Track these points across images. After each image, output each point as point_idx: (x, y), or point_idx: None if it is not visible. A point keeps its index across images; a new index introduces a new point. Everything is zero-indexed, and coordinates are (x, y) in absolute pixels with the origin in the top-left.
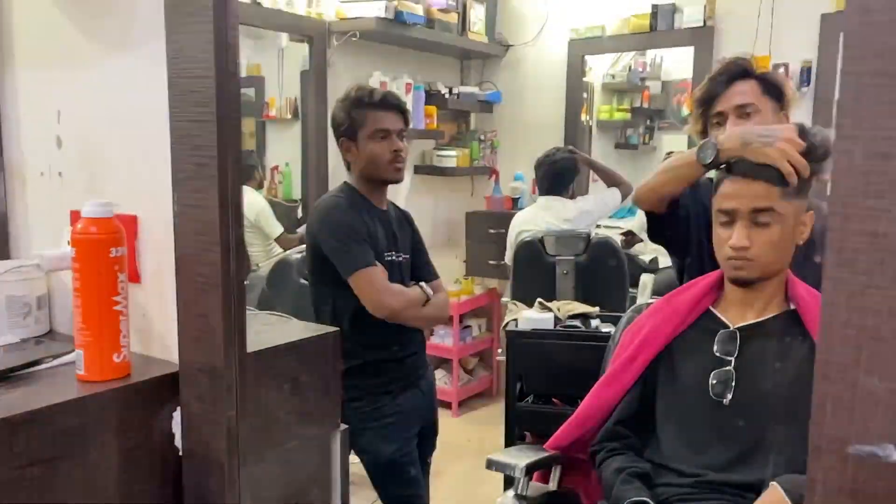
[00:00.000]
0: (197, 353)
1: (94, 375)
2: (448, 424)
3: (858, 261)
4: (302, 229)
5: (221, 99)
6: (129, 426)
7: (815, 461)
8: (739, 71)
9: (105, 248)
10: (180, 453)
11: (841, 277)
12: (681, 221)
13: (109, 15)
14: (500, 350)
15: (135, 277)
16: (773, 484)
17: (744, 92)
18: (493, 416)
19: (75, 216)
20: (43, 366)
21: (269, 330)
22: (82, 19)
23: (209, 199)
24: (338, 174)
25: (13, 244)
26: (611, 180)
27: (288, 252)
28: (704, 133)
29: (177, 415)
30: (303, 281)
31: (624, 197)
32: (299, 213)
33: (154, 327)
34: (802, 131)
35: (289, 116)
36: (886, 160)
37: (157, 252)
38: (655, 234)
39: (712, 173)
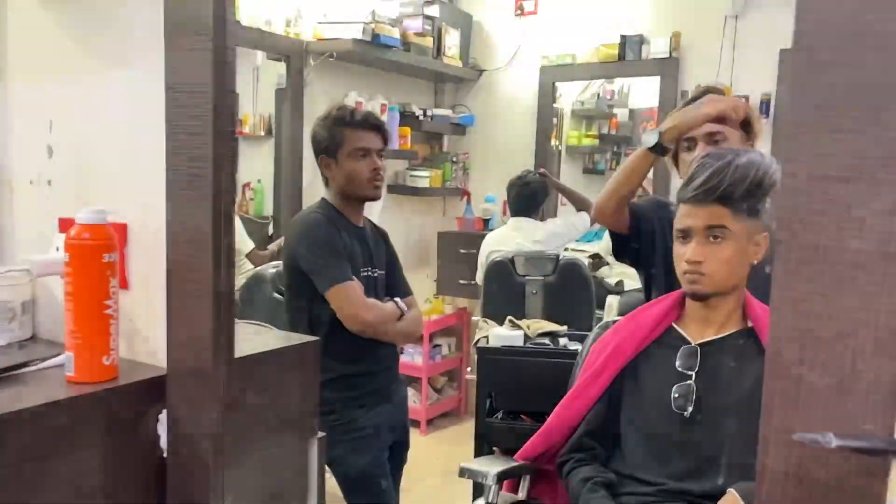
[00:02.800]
0: (185, 358)
1: (83, 377)
2: (417, 442)
3: (802, 271)
4: (273, 245)
5: (218, 113)
6: (116, 427)
7: (764, 450)
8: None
9: (98, 254)
10: (164, 455)
11: (787, 285)
12: (644, 235)
13: (107, 31)
14: (469, 369)
15: (123, 284)
16: (730, 490)
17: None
18: (461, 435)
19: (64, 223)
20: (31, 368)
21: (250, 338)
22: (79, 34)
23: (203, 209)
24: (311, 191)
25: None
26: (580, 205)
27: (262, 267)
28: (675, 155)
29: (162, 417)
30: (276, 295)
31: (593, 222)
32: (270, 230)
33: (140, 332)
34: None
35: (262, 133)
36: (826, 181)
37: (146, 259)
38: (620, 252)
39: None
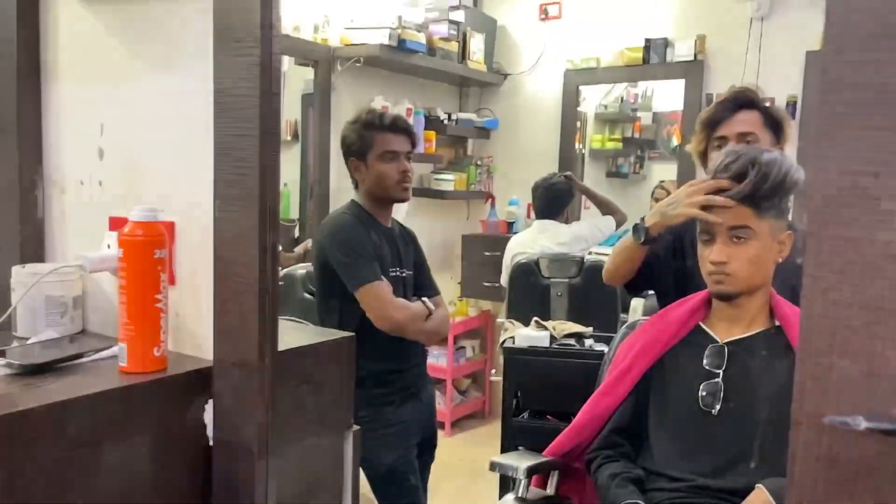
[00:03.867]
0: (232, 349)
1: (135, 367)
2: (441, 444)
3: (833, 261)
4: (300, 248)
5: (264, 116)
6: (165, 416)
7: (795, 435)
8: (746, 100)
9: (150, 250)
10: (210, 443)
11: (818, 275)
12: (654, 271)
13: (157, 38)
14: (493, 371)
15: (170, 280)
16: (759, 486)
17: (747, 121)
18: (485, 437)
19: (115, 222)
20: (85, 359)
21: (288, 333)
22: (130, 41)
23: (249, 207)
24: (339, 195)
25: (48, 248)
26: (605, 209)
27: (293, 267)
28: (705, 153)
29: (209, 406)
30: (307, 295)
31: (618, 225)
32: (296, 233)
33: (187, 326)
34: (733, 167)
35: (288, 138)
36: (856, 176)
37: (193, 256)
38: (634, 291)
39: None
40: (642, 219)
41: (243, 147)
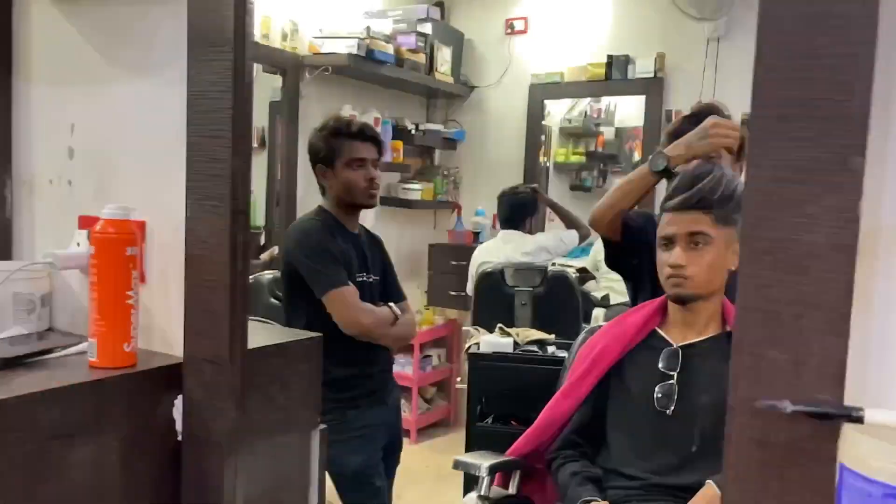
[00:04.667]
0: (202, 346)
1: (105, 362)
2: (406, 451)
3: (764, 260)
4: (265, 255)
5: (237, 120)
6: (135, 411)
7: (730, 420)
8: (710, 116)
9: (122, 247)
10: (179, 438)
11: (751, 272)
12: (636, 245)
13: (129, 41)
14: (458, 379)
15: (141, 278)
16: (709, 482)
17: None
18: (450, 444)
19: (85, 221)
20: (54, 354)
21: (257, 333)
22: (102, 43)
23: (222, 207)
24: (306, 202)
25: (16, 247)
26: (569, 223)
27: (259, 273)
28: None
29: (178, 402)
30: (273, 300)
31: (581, 239)
32: (262, 240)
33: (156, 323)
34: (682, 184)
35: (255, 145)
36: (784, 182)
37: (163, 254)
38: (613, 260)
39: None
40: (659, 152)
41: (216, 149)
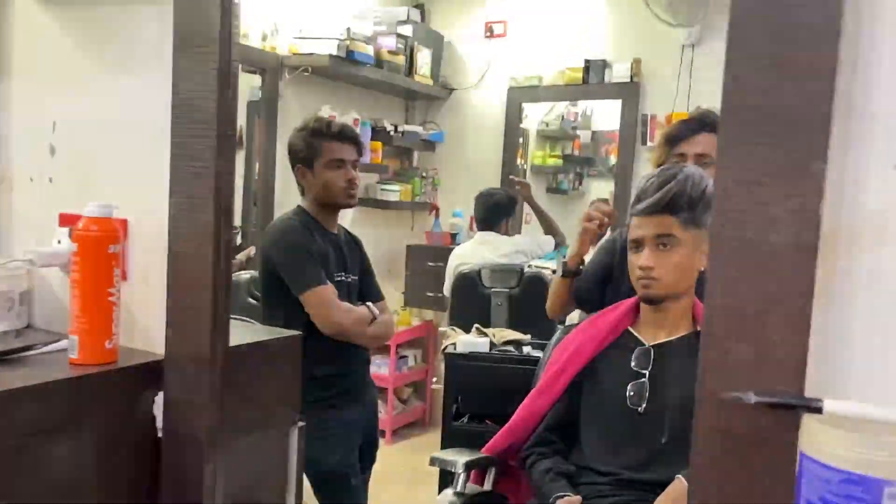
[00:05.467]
0: (184, 343)
1: (86, 359)
2: (382, 451)
3: (730, 259)
4: (241, 255)
5: (221, 119)
6: (115, 407)
7: (697, 411)
8: (709, 123)
9: (104, 245)
10: (159, 434)
11: (719, 271)
12: (596, 292)
13: (113, 40)
14: (434, 379)
15: (123, 276)
16: (678, 476)
17: (706, 143)
18: (425, 445)
19: (65, 218)
20: (34, 351)
21: (237, 331)
22: (85, 42)
23: (205, 205)
24: (284, 202)
25: None
26: (548, 228)
27: (237, 273)
28: (661, 166)
29: (158, 399)
30: (251, 300)
31: (557, 246)
32: (238, 240)
33: (138, 321)
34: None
35: None
36: (748, 184)
37: (146, 252)
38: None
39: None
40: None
41: (200, 148)
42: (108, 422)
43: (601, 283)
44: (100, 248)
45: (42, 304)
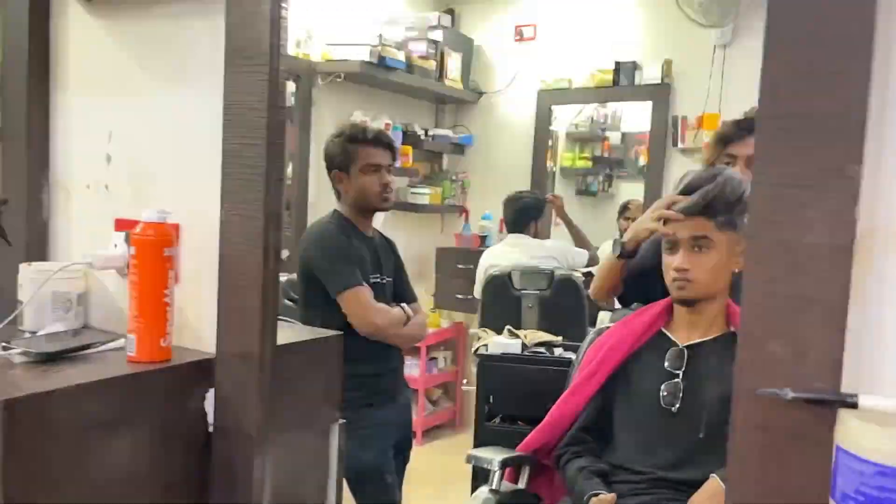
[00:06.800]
0: (234, 342)
1: (143, 357)
2: (412, 452)
3: (768, 260)
4: None
5: (270, 127)
6: (169, 402)
7: (735, 408)
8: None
9: (160, 248)
10: (210, 429)
11: (756, 271)
12: (641, 286)
13: (166, 53)
14: (464, 381)
15: (175, 277)
16: (713, 475)
17: None
18: (455, 446)
19: (121, 223)
20: (93, 350)
21: (282, 330)
22: (139, 55)
23: (255, 210)
24: (317, 206)
25: (52, 248)
26: (580, 242)
27: None
28: (711, 166)
29: (209, 395)
30: (288, 302)
31: (590, 261)
32: None
33: (189, 321)
34: (687, 187)
35: None
36: (785, 188)
37: (196, 255)
38: (624, 302)
39: None
40: (622, 235)
41: (251, 155)
42: (162, 416)
43: (645, 277)
44: (156, 251)
45: (98, 304)
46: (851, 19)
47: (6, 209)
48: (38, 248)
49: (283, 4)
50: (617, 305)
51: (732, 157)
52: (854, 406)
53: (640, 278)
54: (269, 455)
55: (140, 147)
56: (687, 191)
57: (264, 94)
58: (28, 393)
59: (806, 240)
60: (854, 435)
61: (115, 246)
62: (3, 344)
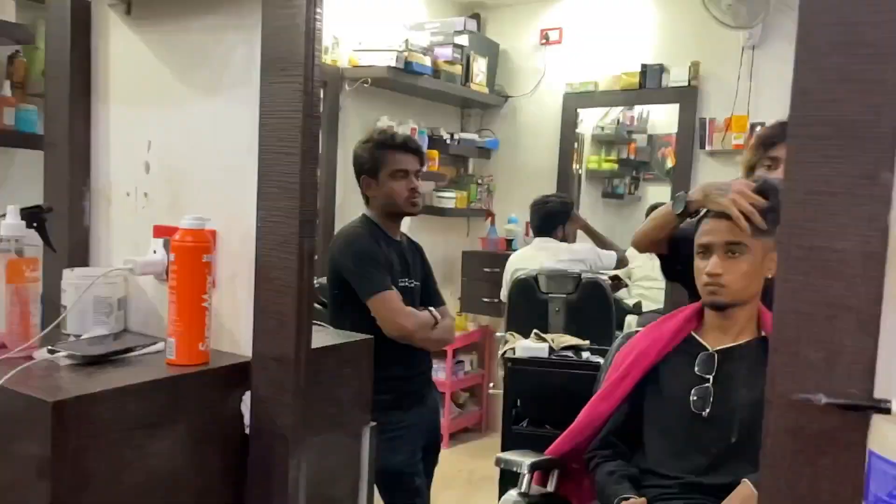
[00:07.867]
0: (270, 345)
1: (183, 360)
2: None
3: (800, 266)
4: None
5: (305, 136)
6: (208, 404)
7: (768, 413)
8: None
9: (199, 254)
10: (247, 431)
11: (788, 278)
12: (686, 257)
13: (203, 64)
14: (491, 385)
15: (212, 283)
16: (744, 480)
17: None
18: (481, 449)
19: (159, 230)
20: (135, 353)
21: (315, 334)
22: (178, 67)
23: (291, 217)
24: (344, 210)
25: (93, 254)
26: (603, 245)
27: None
28: (752, 168)
29: (246, 397)
30: (317, 306)
31: (619, 263)
32: None
33: (225, 325)
34: (763, 188)
35: None
36: (817, 195)
37: (233, 261)
38: (666, 271)
39: None
40: (685, 192)
41: (286, 164)
42: (200, 418)
43: (688, 245)
44: (195, 257)
45: (137, 308)
46: (884, 25)
47: (50, 217)
48: (81, 254)
49: (318, 17)
50: (646, 307)
51: (773, 159)
52: (888, 412)
53: (683, 244)
54: (304, 457)
55: (178, 155)
56: (763, 192)
57: (299, 103)
58: (75, 395)
59: (838, 246)
60: (887, 440)
61: (154, 252)
62: (49, 347)
